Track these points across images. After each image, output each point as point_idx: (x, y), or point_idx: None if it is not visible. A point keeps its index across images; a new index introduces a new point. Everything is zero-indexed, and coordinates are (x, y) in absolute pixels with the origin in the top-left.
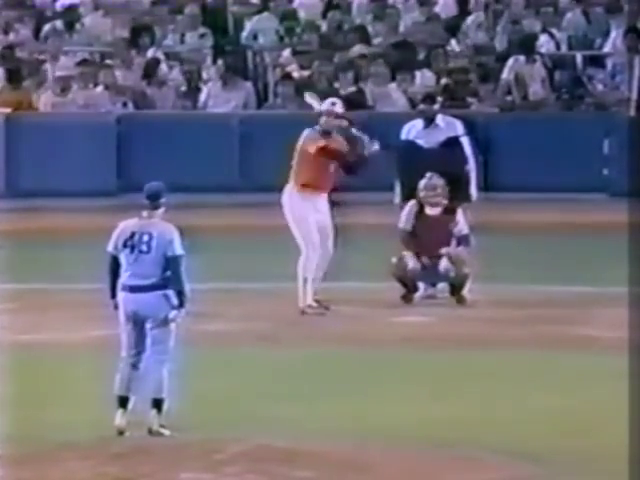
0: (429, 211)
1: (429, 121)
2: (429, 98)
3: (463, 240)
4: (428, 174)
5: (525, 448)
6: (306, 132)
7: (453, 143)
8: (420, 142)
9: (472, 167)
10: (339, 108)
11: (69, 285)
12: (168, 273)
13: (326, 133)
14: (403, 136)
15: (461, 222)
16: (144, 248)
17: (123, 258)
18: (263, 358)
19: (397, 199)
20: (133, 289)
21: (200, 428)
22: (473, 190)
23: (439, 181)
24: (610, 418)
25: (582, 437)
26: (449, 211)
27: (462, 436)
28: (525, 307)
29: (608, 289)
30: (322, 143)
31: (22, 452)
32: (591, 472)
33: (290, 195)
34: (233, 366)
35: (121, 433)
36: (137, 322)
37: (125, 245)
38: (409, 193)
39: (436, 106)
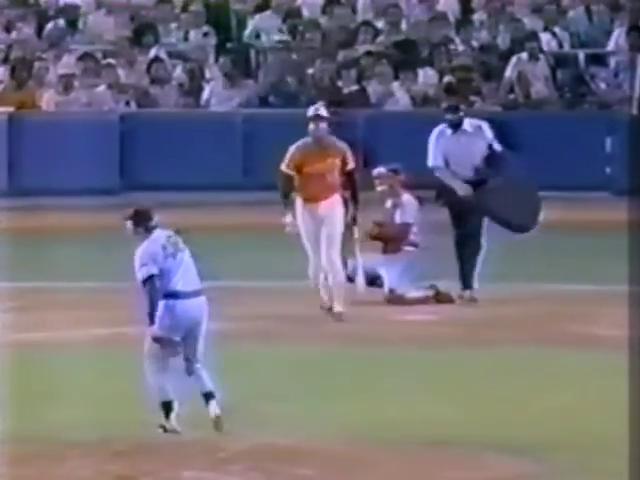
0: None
1: (456, 127)
2: (451, 90)
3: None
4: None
5: (526, 446)
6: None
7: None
8: (450, 154)
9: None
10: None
11: (71, 283)
12: None
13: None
14: (432, 148)
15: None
16: None
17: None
18: (265, 357)
19: None
20: None
21: (203, 426)
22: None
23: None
24: (610, 416)
25: (582, 435)
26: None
27: (463, 434)
28: (526, 305)
29: (609, 287)
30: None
31: (24, 450)
32: (591, 469)
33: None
34: (235, 365)
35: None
36: None
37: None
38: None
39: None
